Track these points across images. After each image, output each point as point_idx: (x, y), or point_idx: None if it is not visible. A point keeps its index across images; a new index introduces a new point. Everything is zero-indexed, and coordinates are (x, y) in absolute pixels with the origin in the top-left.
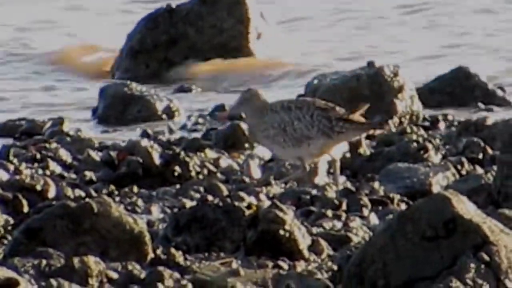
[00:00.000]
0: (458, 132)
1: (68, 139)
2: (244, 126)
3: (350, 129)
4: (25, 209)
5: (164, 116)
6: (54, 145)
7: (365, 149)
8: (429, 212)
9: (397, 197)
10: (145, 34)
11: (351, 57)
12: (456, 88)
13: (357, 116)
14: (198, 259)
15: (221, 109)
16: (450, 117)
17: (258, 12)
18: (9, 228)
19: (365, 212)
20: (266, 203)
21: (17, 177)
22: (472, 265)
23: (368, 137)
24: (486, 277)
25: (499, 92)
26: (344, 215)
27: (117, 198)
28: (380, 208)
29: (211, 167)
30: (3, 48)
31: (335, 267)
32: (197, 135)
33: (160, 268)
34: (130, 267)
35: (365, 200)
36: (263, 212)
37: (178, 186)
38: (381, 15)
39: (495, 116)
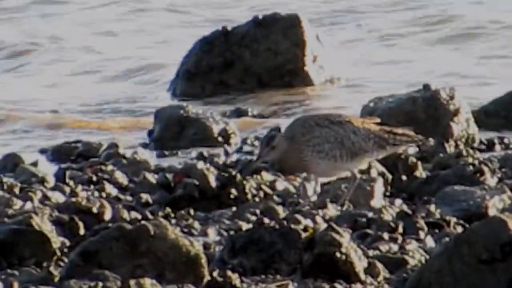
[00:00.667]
0: None
1: (124, 161)
2: None
3: (403, 141)
4: (81, 231)
5: (220, 138)
6: (110, 167)
7: (422, 172)
8: (485, 235)
9: (453, 220)
10: (200, 56)
11: (407, 80)
12: (510, 111)
13: (401, 129)
14: (254, 282)
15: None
16: (506, 140)
17: (314, 34)
18: (66, 250)
19: (422, 235)
20: (323, 225)
21: (73, 199)
22: None
23: (424, 160)
24: None
25: None
26: (400, 238)
27: (173, 221)
28: (436, 231)
29: (267, 190)
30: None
31: None
32: (253, 157)
33: None
34: None
35: (422, 223)
36: (320, 235)
37: (234, 208)
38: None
39: None
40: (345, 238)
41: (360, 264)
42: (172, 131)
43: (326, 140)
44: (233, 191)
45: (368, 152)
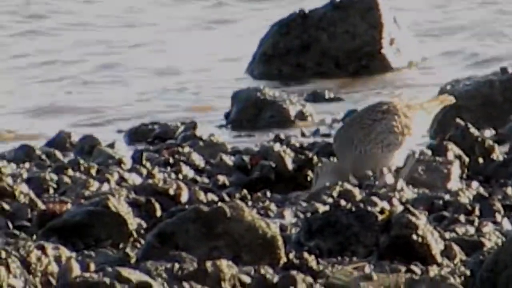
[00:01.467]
0: None
1: (201, 143)
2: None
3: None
4: (158, 213)
5: (297, 121)
6: (187, 149)
7: (498, 154)
8: None
9: None
10: (277, 39)
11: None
12: None
13: None
14: (331, 264)
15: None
16: None
17: (392, 17)
18: (142, 232)
19: (498, 217)
20: (399, 208)
21: (150, 181)
22: None
23: (501, 143)
24: None
25: None
26: (477, 220)
27: (250, 203)
28: None
29: None
30: None
31: (467, 272)
32: (330, 140)
33: (293, 272)
34: (262, 271)
35: (498, 205)
36: (396, 217)
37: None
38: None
39: None
40: (421, 220)
41: (436, 247)
42: (249, 113)
43: (389, 131)
44: (310, 173)
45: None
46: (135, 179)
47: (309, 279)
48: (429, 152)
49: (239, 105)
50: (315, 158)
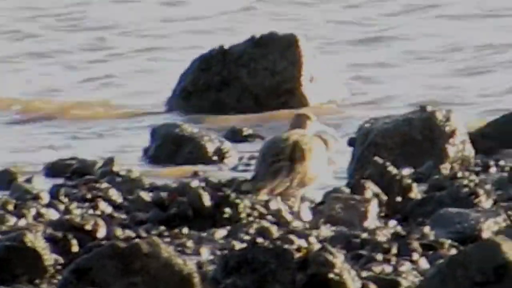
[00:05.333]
0: (509, 177)
1: (119, 179)
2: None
3: None
4: (75, 248)
5: (215, 157)
6: (104, 185)
7: (416, 193)
8: (479, 257)
9: (447, 242)
10: (198, 74)
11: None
12: (509, 133)
13: None
14: None
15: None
16: (501, 163)
17: (312, 54)
18: (59, 267)
19: (415, 256)
20: (316, 246)
21: (67, 216)
22: None
23: (419, 182)
24: None
25: None
26: (394, 259)
27: (167, 239)
28: (430, 252)
29: (262, 210)
30: None
31: None
32: (248, 176)
33: None
34: None
35: (416, 244)
36: (313, 255)
37: (228, 227)
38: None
39: None
40: (338, 258)
41: (353, 285)
42: (167, 149)
43: None
44: (227, 210)
45: None
46: (52, 214)
47: None
48: (347, 190)
49: (157, 140)
50: (233, 195)
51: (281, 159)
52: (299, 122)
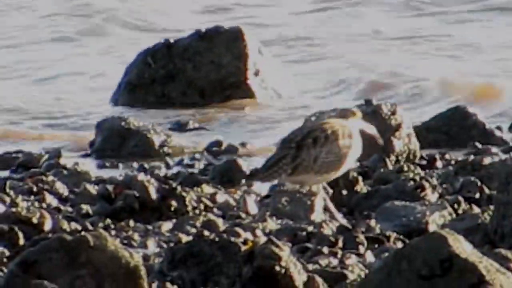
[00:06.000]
0: (455, 171)
1: (65, 172)
2: (240, 161)
3: None
4: (21, 241)
5: (161, 150)
6: (50, 178)
7: (362, 186)
8: (425, 250)
9: (393, 235)
10: (143, 68)
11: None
12: (454, 127)
13: None
14: None
15: (217, 145)
16: (447, 156)
17: (257, 48)
18: (5, 260)
19: (361, 249)
20: (262, 239)
21: (13, 209)
22: None
23: (365, 175)
24: None
25: (497, 132)
26: (340, 252)
27: (113, 232)
28: (376, 246)
29: (208, 202)
30: None
31: None
32: (194, 170)
33: None
34: None
35: (361, 237)
36: (259, 248)
37: (174, 220)
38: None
39: (492, 155)
40: (284, 251)
41: (299, 278)
42: (113, 143)
43: None
44: (173, 203)
45: None
46: None
47: None
48: None
49: (103, 134)
50: (179, 188)
51: (290, 147)
52: (343, 116)
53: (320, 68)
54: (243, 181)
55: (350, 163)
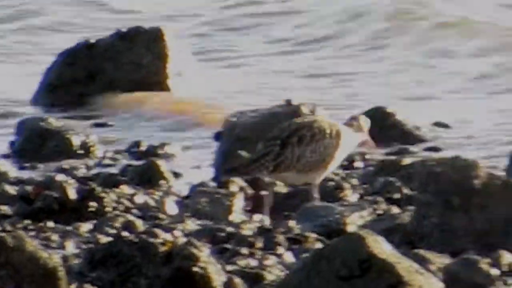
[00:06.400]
0: (375, 171)
1: None
2: (160, 162)
3: None
4: None
5: (80, 151)
6: None
7: (282, 187)
8: (344, 251)
9: (313, 235)
10: (63, 69)
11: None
12: (373, 127)
13: None
14: None
15: (137, 146)
16: (367, 156)
17: (178, 48)
18: None
19: (281, 250)
20: (181, 240)
21: None
22: None
23: None
24: None
25: (416, 132)
26: (259, 253)
27: (32, 233)
28: (296, 246)
29: (127, 203)
30: None
31: None
32: (114, 170)
33: None
34: None
35: (281, 238)
36: (178, 249)
37: (93, 221)
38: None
39: (411, 155)
40: (203, 252)
41: (218, 279)
42: (33, 143)
43: None
44: (93, 204)
45: None
46: None
47: None
48: (213, 184)
49: (23, 134)
50: (98, 189)
51: (274, 144)
52: (352, 124)
53: (239, 70)
54: (162, 181)
55: (338, 162)
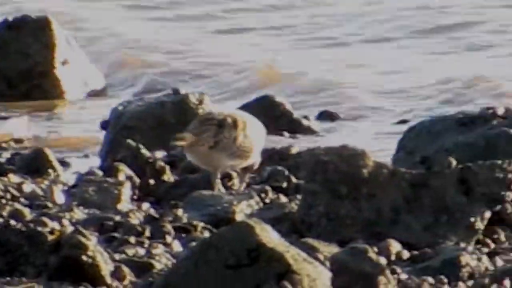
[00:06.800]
0: (262, 160)
1: None
2: (48, 151)
3: None
4: None
5: None
6: None
7: (170, 176)
8: (232, 240)
9: (200, 224)
10: None
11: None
12: (261, 116)
13: None
14: (0, 284)
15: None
16: None
17: (64, 37)
18: None
19: (169, 239)
20: (69, 228)
21: None
22: None
23: (172, 164)
24: None
25: (304, 121)
26: (147, 242)
27: None
28: (184, 235)
29: (15, 192)
30: None
31: None
32: (1, 159)
33: None
34: None
35: (169, 227)
36: (66, 238)
37: None
38: None
39: (299, 145)
40: (91, 241)
41: (106, 268)
42: None
43: None
44: None
45: None
46: None
47: None
48: (100, 173)
49: None
50: None
51: (211, 124)
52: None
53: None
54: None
55: (256, 156)
